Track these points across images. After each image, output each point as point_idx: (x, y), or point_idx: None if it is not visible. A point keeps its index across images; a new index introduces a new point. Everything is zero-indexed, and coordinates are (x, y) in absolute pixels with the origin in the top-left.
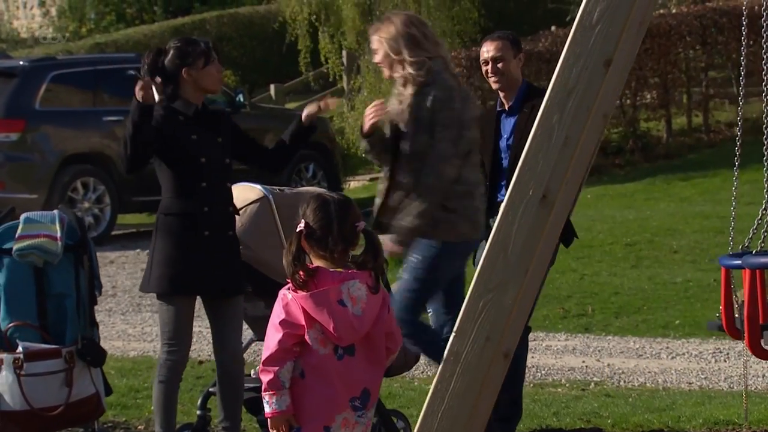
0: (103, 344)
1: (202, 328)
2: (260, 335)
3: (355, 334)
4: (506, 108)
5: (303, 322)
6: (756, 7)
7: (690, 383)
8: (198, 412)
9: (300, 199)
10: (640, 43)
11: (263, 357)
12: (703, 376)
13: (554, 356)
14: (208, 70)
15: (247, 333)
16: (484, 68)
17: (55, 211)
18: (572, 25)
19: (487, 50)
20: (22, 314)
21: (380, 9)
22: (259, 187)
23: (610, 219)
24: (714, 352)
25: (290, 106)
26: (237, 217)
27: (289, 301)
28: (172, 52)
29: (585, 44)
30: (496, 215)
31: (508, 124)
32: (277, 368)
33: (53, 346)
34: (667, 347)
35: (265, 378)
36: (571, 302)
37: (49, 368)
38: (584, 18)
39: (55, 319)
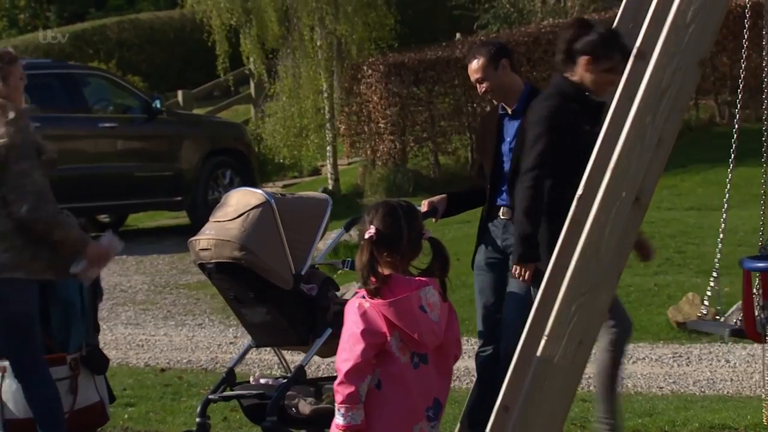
0: None
1: (164, 335)
2: (259, 342)
3: (436, 340)
4: (509, 112)
5: (384, 330)
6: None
7: (660, 388)
8: (198, 420)
9: (302, 205)
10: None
11: (344, 369)
12: (671, 380)
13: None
14: None
15: (245, 339)
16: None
17: None
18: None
19: (470, 74)
20: None
21: (297, 15)
22: (260, 191)
23: None
24: (673, 356)
25: (198, 111)
26: (237, 221)
27: (366, 310)
28: None
29: (679, 44)
30: (496, 219)
31: (510, 128)
32: (360, 381)
33: (58, 354)
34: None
35: (345, 391)
36: None
37: (54, 375)
38: (678, 18)
39: (59, 326)
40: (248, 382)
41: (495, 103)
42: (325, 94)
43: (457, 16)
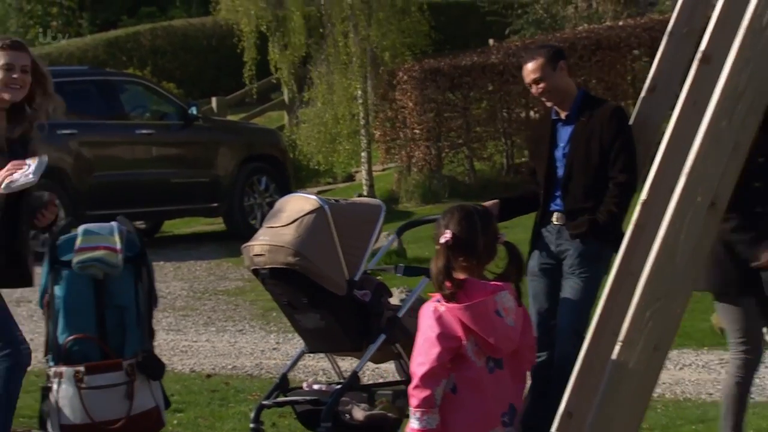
0: None
1: (206, 341)
2: (312, 347)
3: (512, 345)
4: (562, 117)
5: (460, 334)
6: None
7: (710, 394)
8: (251, 426)
9: (356, 210)
10: (594, 56)
11: (419, 373)
12: (719, 386)
13: None
14: None
15: (287, 346)
16: (531, 91)
17: (114, 223)
18: (510, 37)
19: (526, 74)
20: (81, 327)
21: (330, 21)
22: (314, 197)
23: None
24: (720, 362)
25: (232, 118)
26: (291, 226)
27: (442, 314)
28: None
29: (754, 48)
30: (549, 224)
31: (564, 133)
32: (435, 386)
33: (114, 359)
34: (669, 358)
35: (421, 395)
36: None
37: (110, 381)
38: (753, 21)
39: (114, 332)
40: (301, 388)
41: (547, 105)
42: (359, 101)
43: (489, 22)
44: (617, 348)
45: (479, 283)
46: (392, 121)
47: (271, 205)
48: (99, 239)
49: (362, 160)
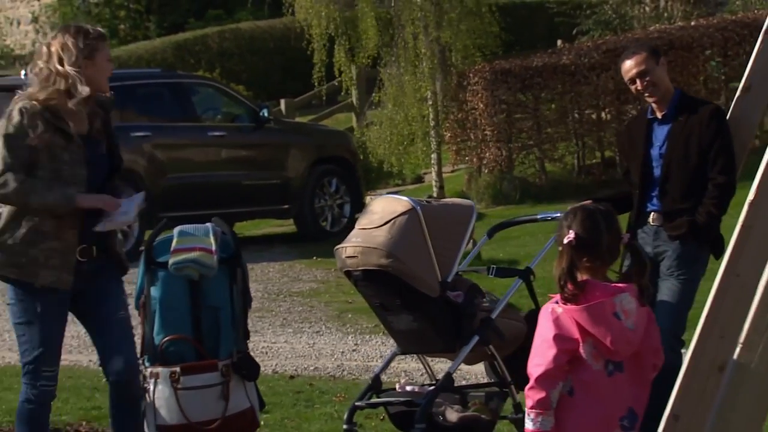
0: None
1: (284, 342)
2: (405, 348)
3: (630, 348)
4: (659, 116)
5: (577, 336)
6: None
7: None
8: (345, 427)
9: (447, 211)
10: (667, 56)
11: (535, 374)
12: None
13: None
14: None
15: (366, 347)
16: (632, 87)
17: (209, 224)
18: (579, 38)
19: (629, 68)
20: (177, 327)
21: (401, 22)
22: (406, 199)
23: None
24: None
25: (301, 120)
26: (383, 228)
27: (559, 315)
28: None
29: None
30: (646, 225)
31: (660, 133)
32: (551, 388)
33: (209, 360)
34: None
35: (537, 396)
36: None
37: (206, 381)
38: None
39: (209, 333)
40: (394, 389)
41: (648, 101)
42: (430, 102)
43: (557, 22)
44: (737, 350)
45: (599, 285)
46: (462, 122)
47: (341, 207)
48: (194, 240)
49: (432, 161)
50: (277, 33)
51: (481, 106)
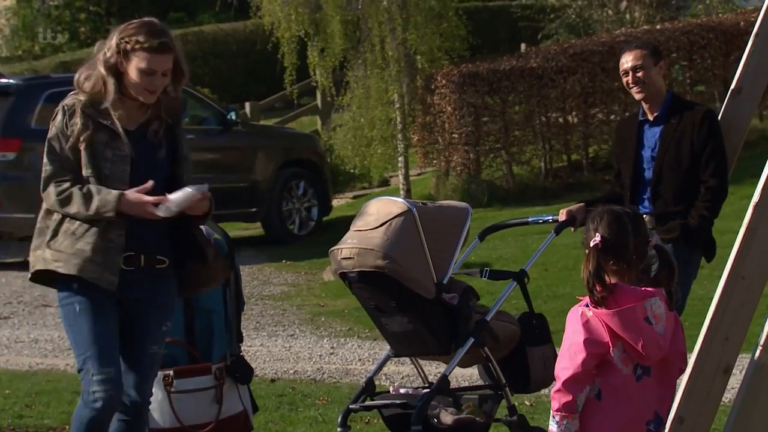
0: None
1: (260, 346)
2: (398, 351)
3: (661, 353)
4: (650, 118)
5: (607, 340)
6: (742, 23)
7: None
8: (339, 429)
9: (443, 213)
10: None
11: (563, 377)
12: None
13: None
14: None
15: (343, 350)
16: (624, 79)
17: (202, 227)
18: (543, 41)
19: (626, 60)
20: (171, 332)
21: (367, 25)
22: (402, 200)
23: None
24: None
25: (266, 123)
26: (379, 229)
27: (589, 318)
28: None
29: None
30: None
31: (651, 135)
32: (578, 392)
33: (203, 363)
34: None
35: (563, 399)
36: None
37: (199, 385)
38: None
39: (202, 336)
40: (388, 392)
41: (644, 104)
42: (396, 105)
43: (520, 26)
44: (757, 352)
45: (629, 289)
46: (430, 125)
47: (309, 210)
48: None
49: (399, 164)
50: (240, 36)
51: (449, 109)
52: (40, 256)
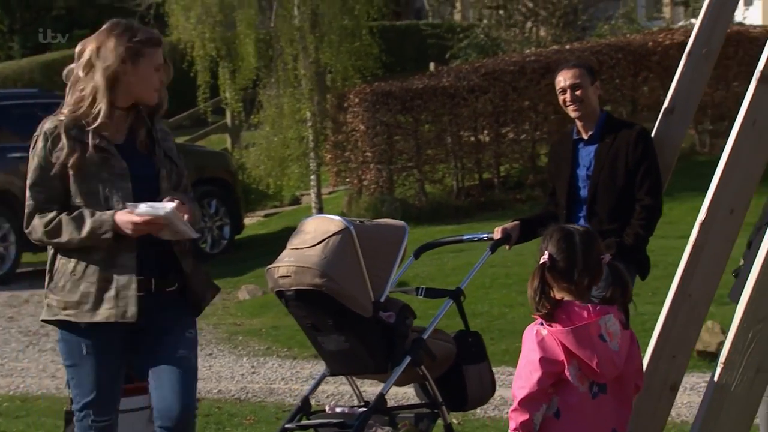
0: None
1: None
2: (335, 370)
3: (615, 370)
4: (584, 137)
5: (562, 358)
6: (650, 44)
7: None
8: None
9: (380, 232)
10: (543, 80)
11: (519, 396)
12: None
13: None
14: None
15: (263, 369)
16: (561, 97)
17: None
18: (451, 60)
19: (564, 78)
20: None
21: (280, 44)
22: (339, 218)
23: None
24: (705, 384)
25: (176, 141)
26: (317, 247)
27: (544, 337)
28: None
29: None
30: None
31: (586, 154)
32: (534, 410)
33: (138, 383)
34: None
35: (519, 418)
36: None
37: (134, 405)
38: None
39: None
40: (324, 411)
41: (578, 122)
42: (309, 123)
43: (428, 45)
44: (718, 370)
45: (582, 306)
46: (342, 143)
47: (221, 228)
48: None
49: (311, 183)
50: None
51: (362, 127)
52: (46, 302)
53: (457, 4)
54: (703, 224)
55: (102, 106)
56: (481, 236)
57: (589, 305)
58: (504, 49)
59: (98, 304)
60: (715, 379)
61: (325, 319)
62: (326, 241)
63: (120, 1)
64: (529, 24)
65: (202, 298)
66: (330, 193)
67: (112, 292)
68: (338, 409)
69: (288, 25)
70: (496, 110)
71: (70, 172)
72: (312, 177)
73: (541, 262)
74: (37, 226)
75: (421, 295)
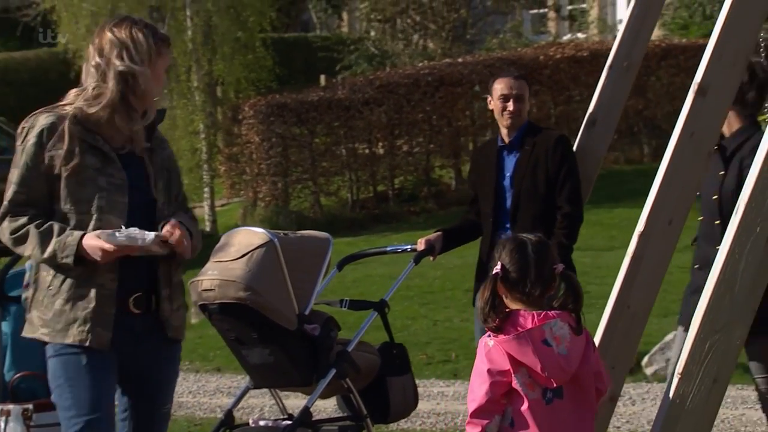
0: None
1: None
2: (258, 383)
3: (564, 375)
4: (507, 143)
5: (508, 368)
6: (541, 57)
7: (618, 427)
8: None
9: (304, 244)
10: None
11: (471, 408)
12: (624, 420)
13: (433, 402)
14: None
15: (243, 381)
16: (502, 104)
17: None
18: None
19: (510, 87)
20: (28, 364)
21: (172, 56)
22: (263, 231)
23: (438, 265)
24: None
25: None
26: (241, 260)
27: (491, 348)
28: None
29: None
30: None
31: (509, 161)
32: (485, 421)
33: None
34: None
35: (472, 430)
36: (432, 348)
37: (58, 419)
38: None
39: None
40: (247, 424)
41: (504, 130)
42: (202, 135)
43: (318, 57)
44: (675, 381)
45: (528, 314)
46: (237, 156)
47: None
48: None
49: (205, 195)
50: (32, 64)
51: (257, 139)
52: (28, 317)
53: (345, 17)
54: (641, 235)
55: (115, 104)
56: (405, 248)
57: (534, 312)
58: (394, 62)
59: (69, 324)
60: (672, 390)
61: (249, 332)
62: (250, 254)
63: (5, 12)
64: (416, 37)
65: (170, 325)
66: (223, 205)
67: (86, 313)
68: (262, 423)
69: (180, 37)
70: (390, 123)
71: (63, 175)
72: (205, 189)
73: (493, 272)
74: (4, 230)
75: (345, 307)
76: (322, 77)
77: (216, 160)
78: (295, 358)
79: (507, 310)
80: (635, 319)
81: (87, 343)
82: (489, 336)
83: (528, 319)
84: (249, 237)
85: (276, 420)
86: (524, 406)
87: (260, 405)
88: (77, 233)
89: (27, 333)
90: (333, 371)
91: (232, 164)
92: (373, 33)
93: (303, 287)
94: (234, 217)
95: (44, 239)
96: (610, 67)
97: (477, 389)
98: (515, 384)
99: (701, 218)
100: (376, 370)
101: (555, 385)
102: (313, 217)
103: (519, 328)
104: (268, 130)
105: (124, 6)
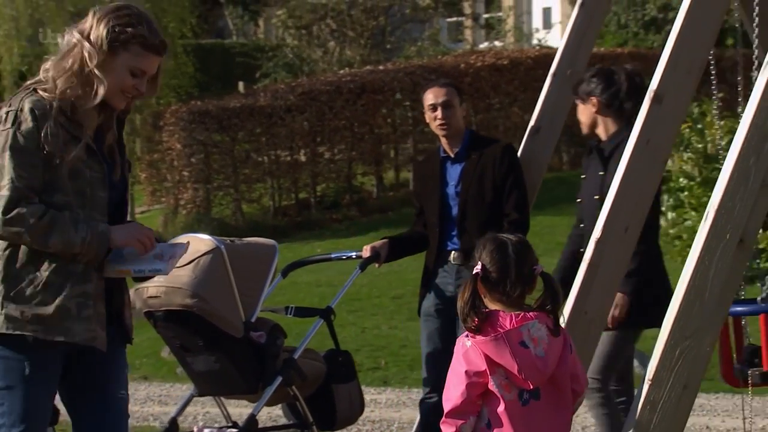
0: None
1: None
2: (203, 390)
3: (541, 376)
4: (451, 155)
5: (485, 368)
6: (462, 65)
7: None
8: None
9: (251, 251)
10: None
11: (446, 408)
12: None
13: (367, 410)
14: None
15: (172, 389)
16: (431, 114)
17: None
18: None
19: (435, 96)
20: None
21: None
22: (209, 237)
23: (365, 272)
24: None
25: None
26: (187, 267)
27: (468, 349)
28: None
29: None
30: (446, 264)
31: (454, 171)
32: (460, 422)
33: None
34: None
35: (447, 430)
36: (361, 356)
37: None
38: None
39: None
40: (192, 431)
41: (444, 140)
42: None
43: (235, 64)
44: (645, 387)
45: (506, 315)
46: (158, 162)
47: None
48: None
49: None
50: None
51: (178, 146)
52: (3, 313)
53: (261, 24)
54: (598, 242)
55: (100, 94)
56: (350, 254)
57: (512, 313)
58: (313, 69)
59: (75, 323)
60: (643, 396)
61: (195, 339)
62: (197, 260)
63: None
64: (333, 44)
65: (130, 328)
66: (144, 212)
67: (90, 311)
68: (207, 431)
69: None
70: (312, 130)
71: (59, 164)
72: None
73: (473, 272)
74: (25, 216)
75: (290, 314)
76: (241, 84)
77: (136, 167)
78: (241, 366)
79: (486, 310)
80: (592, 325)
81: (92, 343)
82: (467, 336)
83: (507, 320)
84: (195, 243)
85: (221, 428)
86: (500, 408)
87: (203, 413)
88: (104, 225)
89: (2, 329)
90: (279, 379)
91: (153, 171)
92: (289, 40)
93: (249, 294)
94: (155, 225)
95: (73, 227)
96: (554, 74)
97: (453, 390)
98: (491, 385)
99: (581, 225)
100: (322, 377)
101: (531, 386)
102: (234, 224)
103: (499, 329)
104: (190, 137)
105: (44, 11)
